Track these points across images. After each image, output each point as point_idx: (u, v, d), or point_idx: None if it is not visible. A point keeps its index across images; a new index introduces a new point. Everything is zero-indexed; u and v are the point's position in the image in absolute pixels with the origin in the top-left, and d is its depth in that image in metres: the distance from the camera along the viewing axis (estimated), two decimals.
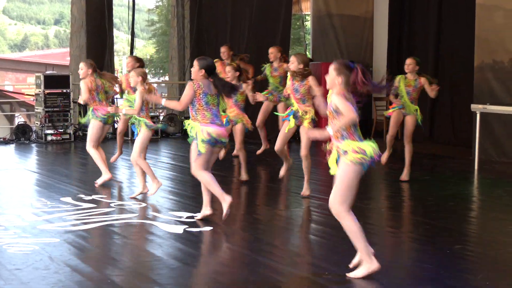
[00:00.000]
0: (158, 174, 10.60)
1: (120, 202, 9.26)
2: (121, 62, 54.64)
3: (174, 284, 5.97)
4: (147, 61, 50.11)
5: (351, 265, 6.14)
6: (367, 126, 15.87)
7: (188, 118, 8.19)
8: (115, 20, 25.25)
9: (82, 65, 10.42)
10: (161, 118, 17.56)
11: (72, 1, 17.99)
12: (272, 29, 16.29)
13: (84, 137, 16.00)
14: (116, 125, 14.54)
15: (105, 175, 10.28)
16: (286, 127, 9.37)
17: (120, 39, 61.57)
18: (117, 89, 11.34)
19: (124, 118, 11.19)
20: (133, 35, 18.88)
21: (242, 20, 16.85)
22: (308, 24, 23.18)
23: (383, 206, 9.35)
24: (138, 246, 7.13)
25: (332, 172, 6.15)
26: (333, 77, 6.01)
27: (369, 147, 5.94)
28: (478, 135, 12.25)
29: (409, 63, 10.58)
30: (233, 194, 9.37)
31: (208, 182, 7.91)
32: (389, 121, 10.88)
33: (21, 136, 15.77)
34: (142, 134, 9.36)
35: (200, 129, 7.77)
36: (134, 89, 9.80)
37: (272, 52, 12.31)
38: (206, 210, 8.16)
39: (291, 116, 9.31)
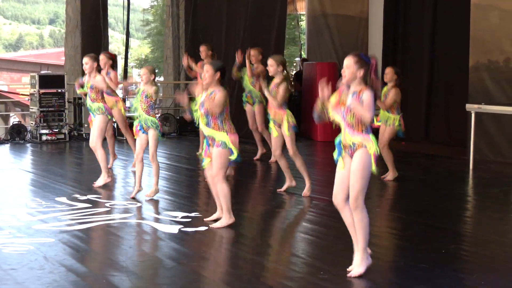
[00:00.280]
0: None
1: (115, 202, 9.25)
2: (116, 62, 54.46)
3: (169, 284, 5.96)
4: (142, 61, 50.14)
5: (350, 269, 6.13)
6: None
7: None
8: (110, 20, 25.23)
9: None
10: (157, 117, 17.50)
11: (67, 1, 17.97)
12: (267, 29, 16.30)
13: (79, 137, 16.00)
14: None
15: (106, 178, 10.28)
16: (272, 133, 9.49)
17: (115, 39, 61.57)
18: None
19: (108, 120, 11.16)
20: (128, 35, 18.87)
21: (237, 19, 16.85)
22: (303, 24, 23.19)
23: (378, 206, 9.35)
24: (133, 246, 7.13)
25: (340, 168, 6.13)
26: (354, 70, 5.99)
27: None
28: (473, 135, 12.25)
29: (386, 73, 10.56)
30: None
31: (227, 195, 7.79)
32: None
33: (16, 136, 15.74)
34: (153, 138, 9.38)
35: (229, 139, 7.63)
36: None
37: (254, 54, 12.26)
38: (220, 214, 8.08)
39: (270, 124, 9.44)
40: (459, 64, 14.41)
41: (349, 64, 6.02)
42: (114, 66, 10.91)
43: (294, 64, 35.80)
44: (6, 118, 26.44)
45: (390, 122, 10.43)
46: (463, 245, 7.25)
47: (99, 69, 10.49)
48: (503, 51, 12.86)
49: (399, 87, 10.42)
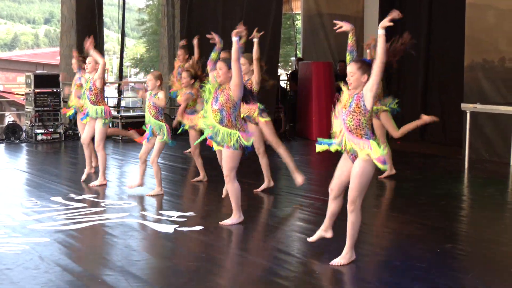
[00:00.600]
0: (148, 173, 10.59)
1: (110, 202, 9.24)
2: (111, 62, 54.66)
3: (164, 284, 5.96)
4: (138, 61, 50.13)
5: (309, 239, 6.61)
6: None
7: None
8: (105, 19, 25.20)
9: (89, 60, 10.60)
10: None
11: (62, 1, 17.96)
12: (262, 28, 16.22)
13: (74, 137, 15.98)
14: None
15: (102, 180, 10.30)
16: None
17: (111, 38, 61.59)
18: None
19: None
20: (123, 34, 18.86)
21: (233, 19, 16.81)
22: (299, 23, 23.20)
23: (374, 205, 9.34)
24: (129, 246, 7.12)
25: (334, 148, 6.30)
26: (357, 76, 6.12)
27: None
28: (468, 135, 12.27)
29: None
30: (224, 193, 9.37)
31: (235, 193, 7.83)
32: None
33: (11, 136, 15.72)
34: (158, 142, 9.45)
35: (241, 136, 7.62)
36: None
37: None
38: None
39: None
40: (454, 64, 14.43)
41: (352, 71, 6.14)
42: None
43: (290, 63, 35.84)
44: (1, 118, 26.45)
45: (380, 112, 10.48)
46: (458, 245, 7.26)
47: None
48: (498, 50, 12.88)
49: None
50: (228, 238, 7.54)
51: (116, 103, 19.29)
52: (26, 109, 16.08)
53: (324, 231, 6.76)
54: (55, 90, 15.74)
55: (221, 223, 7.88)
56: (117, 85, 21.97)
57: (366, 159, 6.08)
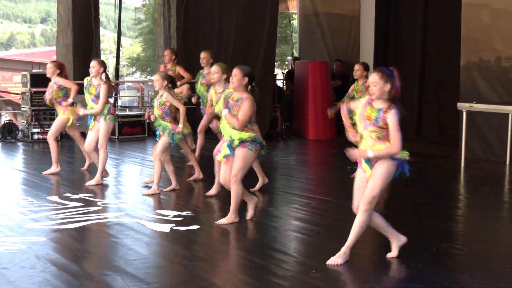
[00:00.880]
0: (146, 173, 10.59)
1: (107, 201, 9.23)
2: (108, 61, 54.51)
3: (161, 283, 5.96)
4: (134, 60, 50.11)
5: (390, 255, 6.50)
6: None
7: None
8: (102, 19, 25.19)
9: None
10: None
11: (58, 0, 17.93)
12: (258, 28, 16.29)
13: (70, 137, 15.95)
14: None
15: (100, 179, 10.31)
16: None
17: (107, 37, 61.54)
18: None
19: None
20: (119, 33, 18.85)
21: (229, 19, 16.83)
22: (295, 22, 23.21)
23: None
24: (125, 245, 7.11)
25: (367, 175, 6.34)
26: (381, 85, 6.15)
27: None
28: (464, 134, 12.29)
29: (356, 69, 10.62)
30: (221, 193, 9.37)
31: (239, 196, 7.87)
32: None
33: (7, 135, 15.70)
34: (163, 141, 9.48)
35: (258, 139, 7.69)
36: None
37: (205, 57, 11.66)
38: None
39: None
40: (451, 60, 14.46)
41: (375, 80, 6.18)
42: (61, 74, 11.04)
43: (286, 63, 35.86)
44: None
45: None
46: (455, 244, 7.26)
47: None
48: (494, 50, 12.89)
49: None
50: (224, 238, 7.54)
51: (112, 102, 19.26)
52: (22, 109, 16.06)
53: (397, 241, 6.59)
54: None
55: (217, 222, 7.88)
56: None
57: (390, 161, 6.20)
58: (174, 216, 8.24)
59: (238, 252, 6.90)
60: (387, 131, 6.13)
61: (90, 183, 10.23)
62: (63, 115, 11.04)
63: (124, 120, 16.28)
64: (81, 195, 9.47)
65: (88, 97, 10.34)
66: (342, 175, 10.64)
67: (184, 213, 8.39)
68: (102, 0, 19.27)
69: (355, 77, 10.66)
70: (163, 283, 5.96)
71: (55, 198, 9.25)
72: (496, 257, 6.75)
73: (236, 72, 7.67)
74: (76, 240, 7.28)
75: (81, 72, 17.29)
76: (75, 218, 8.12)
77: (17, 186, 10.41)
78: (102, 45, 20.11)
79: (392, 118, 6.08)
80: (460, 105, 12.38)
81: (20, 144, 15.22)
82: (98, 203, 9.01)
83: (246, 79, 7.65)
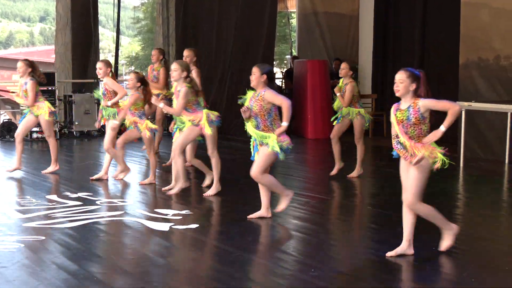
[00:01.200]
0: (145, 172, 10.57)
1: (106, 200, 9.23)
2: None
3: (160, 282, 5.96)
4: (133, 59, 50.06)
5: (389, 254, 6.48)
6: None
7: None
8: (101, 18, 25.19)
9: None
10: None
11: None
12: (257, 27, 16.30)
13: (69, 135, 15.97)
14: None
15: (102, 175, 10.49)
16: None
17: (106, 36, 61.39)
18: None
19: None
20: (118, 32, 18.82)
21: (228, 18, 16.83)
22: (294, 21, 23.20)
23: (368, 204, 9.36)
24: (124, 244, 7.11)
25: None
26: (407, 84, 6.34)
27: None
28: (463, 133, 12.29)
29: (342, 68, 10.63)
30: (220, 193, 9.37)
31: (272, 183, 7.96)
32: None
33: (6, 134, 15.69)
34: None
35: (278, 140, 7.79)
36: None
37: (188, 55, 11.17)
38: (264, 213, 8.15)
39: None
40: (450, 56, 14.48)
41: (402, 78, 6.36)
42: (34, 73, 10.99)
43: (285, 61, 35.82)
44: None
45: (353, 116, 10.45)
46: (454, 243, 7.25)
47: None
48: (493, 48, 12.89)
49: (354, 80, 10.58)
50: (223, 236, 7.54)
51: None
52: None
53: (407, 247, 6.57)
54: (50, 88, 15.71)
55: (249, 217, 8.04)
56: None
57: (426, 157, 6.42)
58: (173, 215, 8.24)
59: (236, 251, 6.89)
60: (420, 127, 6.42)
61: (95, 177, 10.34)
62: (37, 112, 11.01)
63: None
64: (80, 194, 9.46)
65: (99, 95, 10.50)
66: (340, 173, 10.63)
67: (183, 212, 8.39)
68: None
69: (340, 76, 10.64)
70: (161, 282, 5.96)
71: (54, 197, 9.25)
72: (494, 256, 6.76)
73: (254, 70, 7.74)
74: (75, 239, 7.27)
75: (80, 71, 17.30)
76: (74, 217, 8.12)
77: (16, 185, 10.40)
78: (101, 44, 20.09)
79: (425, 101, 6.31)
80: (459, 103, 12.36)
81: None
82: (97, 202, 9.01)
83: (265, 76, 7.70)
